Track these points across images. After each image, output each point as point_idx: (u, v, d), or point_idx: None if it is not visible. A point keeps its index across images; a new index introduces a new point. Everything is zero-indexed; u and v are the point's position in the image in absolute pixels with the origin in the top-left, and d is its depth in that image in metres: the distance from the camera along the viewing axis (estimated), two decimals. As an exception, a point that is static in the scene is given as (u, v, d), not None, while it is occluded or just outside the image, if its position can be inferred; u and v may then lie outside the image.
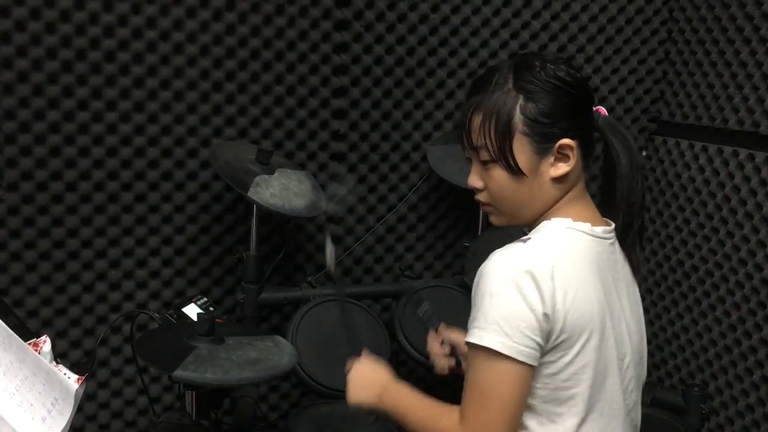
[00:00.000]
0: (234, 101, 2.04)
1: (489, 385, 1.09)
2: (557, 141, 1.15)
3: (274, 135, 2.11)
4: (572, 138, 1.15)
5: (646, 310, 2.60)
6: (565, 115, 1.15)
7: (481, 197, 1.23)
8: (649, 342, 2.50)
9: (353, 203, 2.24)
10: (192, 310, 1.83)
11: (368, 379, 1.31)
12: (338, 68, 2.13)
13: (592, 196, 1.25)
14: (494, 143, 1.15)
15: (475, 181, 1.22)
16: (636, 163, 1.23)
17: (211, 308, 1.89)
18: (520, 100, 1.14)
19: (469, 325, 1.12)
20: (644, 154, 2.58)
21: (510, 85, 1.15)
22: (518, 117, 1.14)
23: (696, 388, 2.21)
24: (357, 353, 1.38)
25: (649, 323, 2.47)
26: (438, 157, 2.20)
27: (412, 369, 2.41)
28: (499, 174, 1.17)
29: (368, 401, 1.28)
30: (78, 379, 1.40)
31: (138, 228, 2.02)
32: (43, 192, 1.89)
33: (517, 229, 2.10)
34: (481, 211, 2.25)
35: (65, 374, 1.39)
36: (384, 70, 2.18)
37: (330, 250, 1.52)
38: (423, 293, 2.10)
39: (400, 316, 2.01)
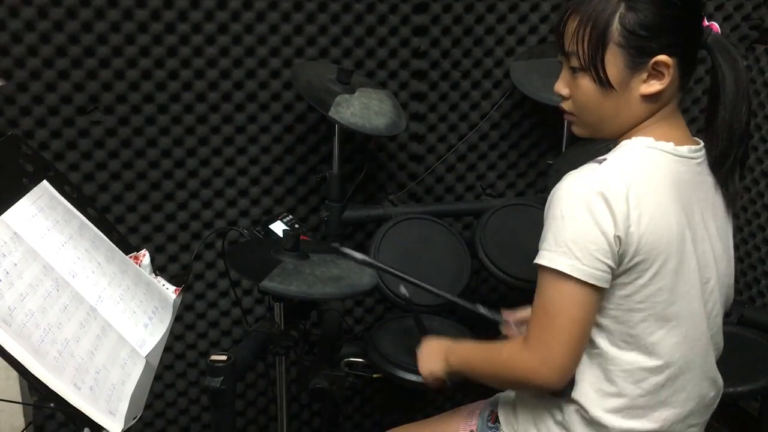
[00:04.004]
0: (314, 20, 2.04)
1: (555, 306, 1.10)
2: (653, 57, 1.09)
3: (354, 54, 2.11)
4: (670, 55, 1.09)
5: (737, 229, 2.51)
6: (667, 30, 1.09)
7: (565, 105, 1.20)
8: (741, 261, 2.43)
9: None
10: (278, 227, 1.91)
11: (433, 349, 1.39)
12: (419, -17, 2.09)
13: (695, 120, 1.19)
14: (586, 51, 1.11)
15: (561, 88, 1.19)
16: (743, 87, 1.15)
17: (297, 225, 1.96)
18: (621, 9, 1.08)
19: (539, 246, 1.12)
20: (744, 64, 2.43)
21: None
22: (615, 26, 1.09)
23: (787, 309, 2.14)
24: None
25: (742, 242, 2.39)
26: (521, 73, 2.15)
27: (493, 286, 2.44)
28: (586, 84, 1.14)
29: (438, 367, 1.35)
30: (176, 290, 1.50)
31: (226, 148, 2.09)
32: (138, 114, 1.98)
33: (603, 146, 2.04)
34: (565, 129, 2.21)
35: (164, 285, 1.49)
36: (466, -17, 2.12)
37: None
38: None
39: (481, 234, 2.02)
